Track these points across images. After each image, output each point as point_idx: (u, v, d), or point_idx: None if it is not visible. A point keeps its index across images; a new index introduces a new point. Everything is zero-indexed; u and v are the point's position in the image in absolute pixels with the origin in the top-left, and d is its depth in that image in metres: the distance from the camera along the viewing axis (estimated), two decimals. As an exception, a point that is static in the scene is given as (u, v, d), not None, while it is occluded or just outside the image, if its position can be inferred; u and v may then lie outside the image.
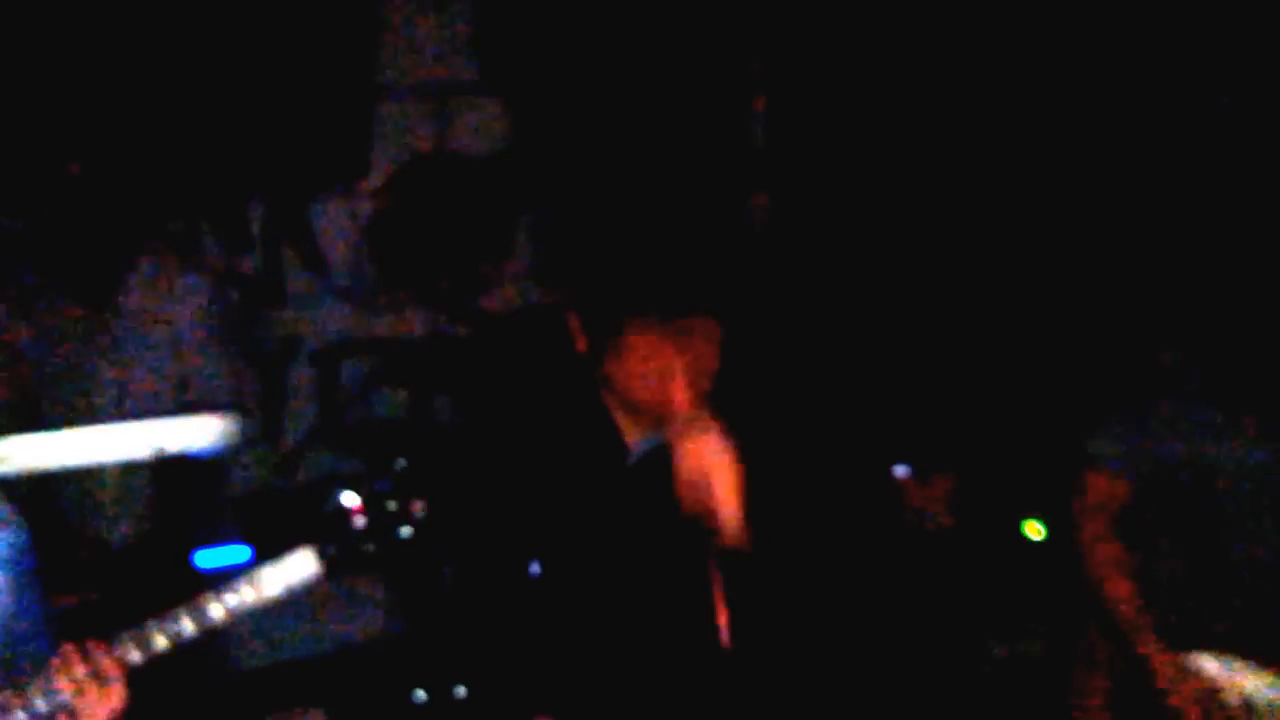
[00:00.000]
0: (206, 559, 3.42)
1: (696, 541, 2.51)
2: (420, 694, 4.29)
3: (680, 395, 2.47)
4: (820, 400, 2.65)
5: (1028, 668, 4.03)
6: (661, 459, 2.51)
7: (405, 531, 2.21)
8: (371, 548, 2.20)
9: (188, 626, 2.20)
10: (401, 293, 4.86)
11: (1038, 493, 4.20)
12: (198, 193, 4.61)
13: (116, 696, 2.17)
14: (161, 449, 3.31)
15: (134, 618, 2.26)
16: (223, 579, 2.22)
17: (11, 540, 2.33)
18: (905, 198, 4.89)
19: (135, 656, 2.19)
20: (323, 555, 2.20)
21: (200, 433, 3.42)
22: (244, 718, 4.43)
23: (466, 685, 3.85)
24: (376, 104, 4.80)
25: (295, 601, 4.73)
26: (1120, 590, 3.08)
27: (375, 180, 4.83)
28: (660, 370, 2.48)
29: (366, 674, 4.64)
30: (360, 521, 2.20)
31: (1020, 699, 3.99)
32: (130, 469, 3.47)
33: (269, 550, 3.15)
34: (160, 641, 2.19)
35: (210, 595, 2.21)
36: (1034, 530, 4.13)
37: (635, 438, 2.59)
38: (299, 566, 2.20)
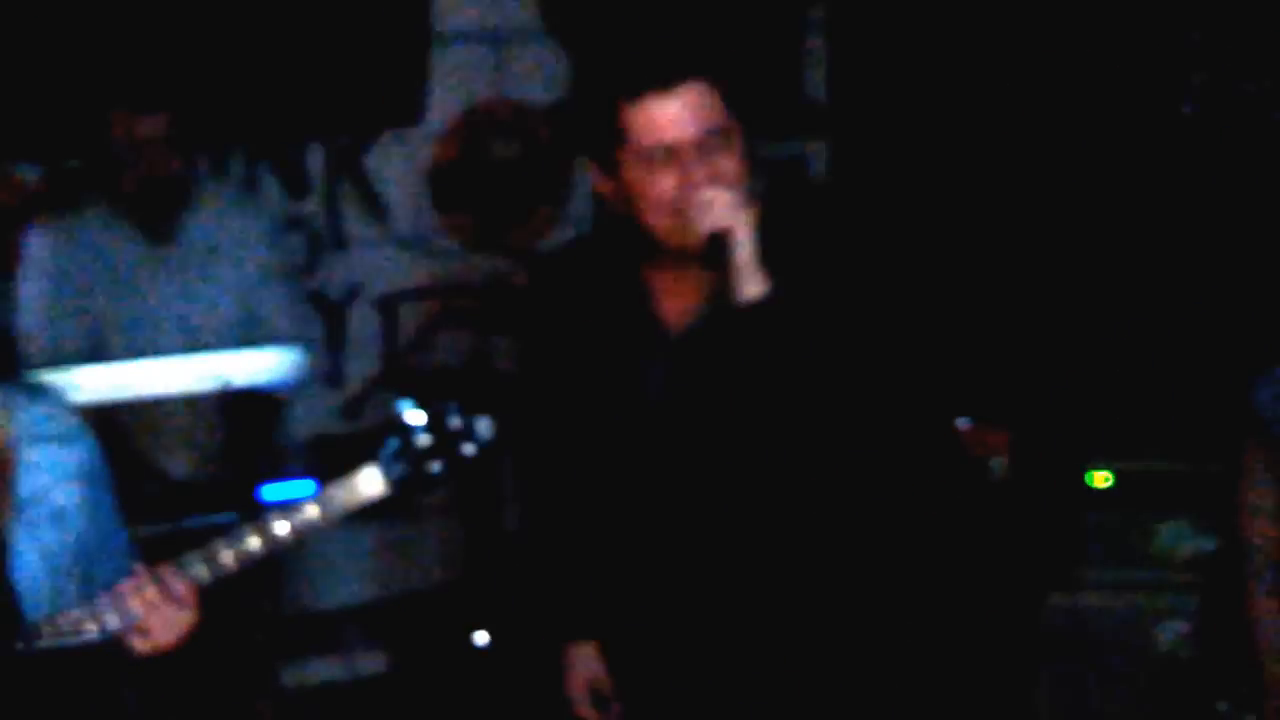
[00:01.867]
0: (273, 493, 3.42)
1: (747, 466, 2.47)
2: (482, 636, 4.30)
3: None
4: (881, 353, 2.57)
5: (1088, 620, 3.98)
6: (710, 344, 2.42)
7: (469, 449, 2.16)
8: (437, 466, 2.17)
9: (255, 545, 2.18)
10: (461, 238, 4.85)
11: (1103, 441, 4.15)
12: (257, 135, 4.60)
13: (188, 616, 2.18)
14: (227, 382, 3.30)
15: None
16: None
17: (82, 456, 2.33)
18: (968, 143, 4.83)
19: (204, 576, 2.18)
20: (388, 474, 2.16)
21: (265, 367, 3.41)
22: (306, 659, 4.46)
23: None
24: (435, 48, 4.78)
25: (357, 543, 4.79)
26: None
27: (434, 125, 4.81)
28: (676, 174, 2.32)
29: (429, 617, 4.65)
30: (424, 440, 2.15)
31: (1080, 652, 3.95)
32: (195, 402, 3.47)
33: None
34: (229, 560, 2.18)
35: (277, 514, 2.18)
36: (1100, 480, 4.07)
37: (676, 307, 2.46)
38: (365, 485, 2.16)
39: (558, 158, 4.92)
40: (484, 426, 2.16)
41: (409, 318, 4.83)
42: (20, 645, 2.01)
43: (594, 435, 2.56)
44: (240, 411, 3.45)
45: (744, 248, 2.31)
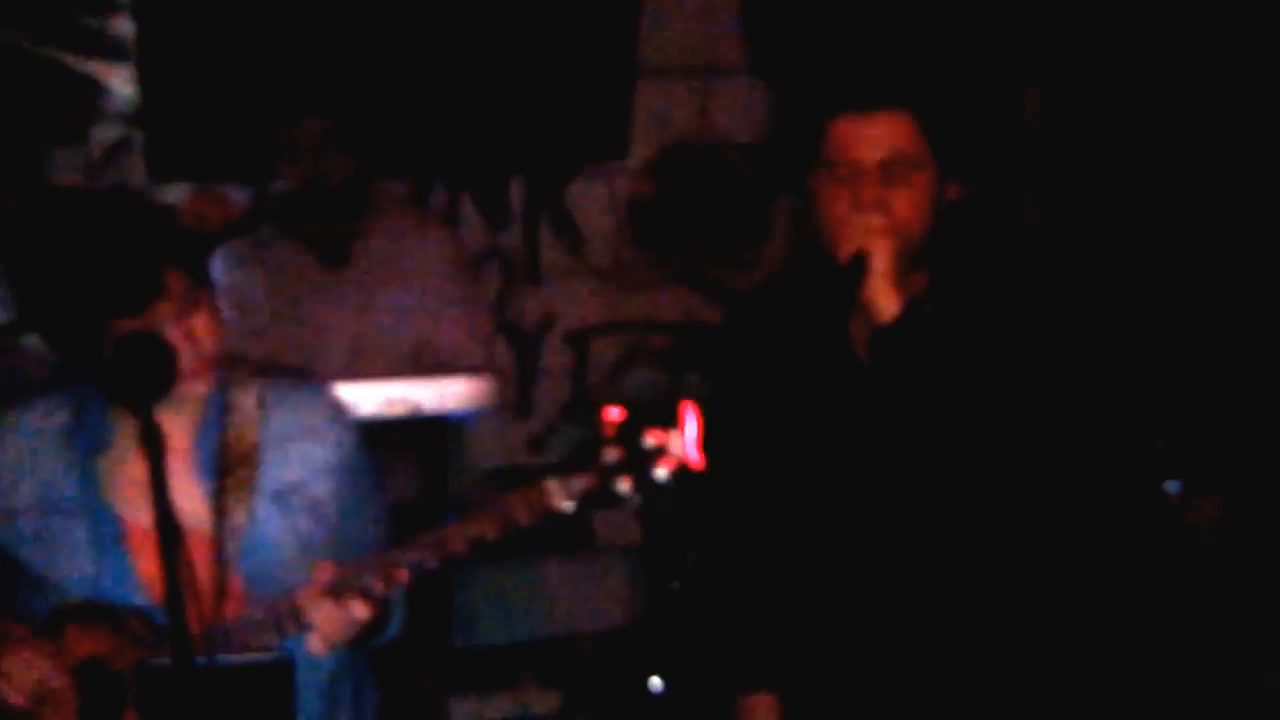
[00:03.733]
0: (457, 522, 3.40)
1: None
2: (657, 683, 4.23)
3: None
4: (1090, 413, 2.49)
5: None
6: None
7: (662, 473, 2.05)
8: (624, 486, 2.07)
9: (429, 557, 2.16)
10: (657, 274, 4.81)
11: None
12: (461, 166, 4.63)
13: (360, 619, 2.20)
14: (417, 408, 3.29)
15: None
16: (464, 509, 2.17)
17: (341, 452, 2.41)
18: (1181, 197, 4.65)
19: (379, 587, 2.18)
20: (570, 487, 2.08)
21: (454, 394, 3.39)
22: (478, 695, 4.44)
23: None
24: (639, 83, 4.75)
25: (536, 579, 4.75)
26: None
27: (635, 160, 4.78)
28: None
29: (605, 658, 4.60)
30: (613, 456, 2.06)
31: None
32: (385, 427, 3.46)
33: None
34: (401, 571, 2.18)
35: (452, 525, 2.16)
36: (1322, 552, 3.86)
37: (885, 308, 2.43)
38: (544, 497, 2.09)
39: (758, 195, 4.86)
40: (677, 445, 2.05)
41: (600, 352, 4.80)
42: (201, 659, 2.02)
43: (784, 469, 2.52)
44: (428, 438, 3.43)
45: (876, 272, 2.36)
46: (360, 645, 2.32)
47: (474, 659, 4.49)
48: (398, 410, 3.28)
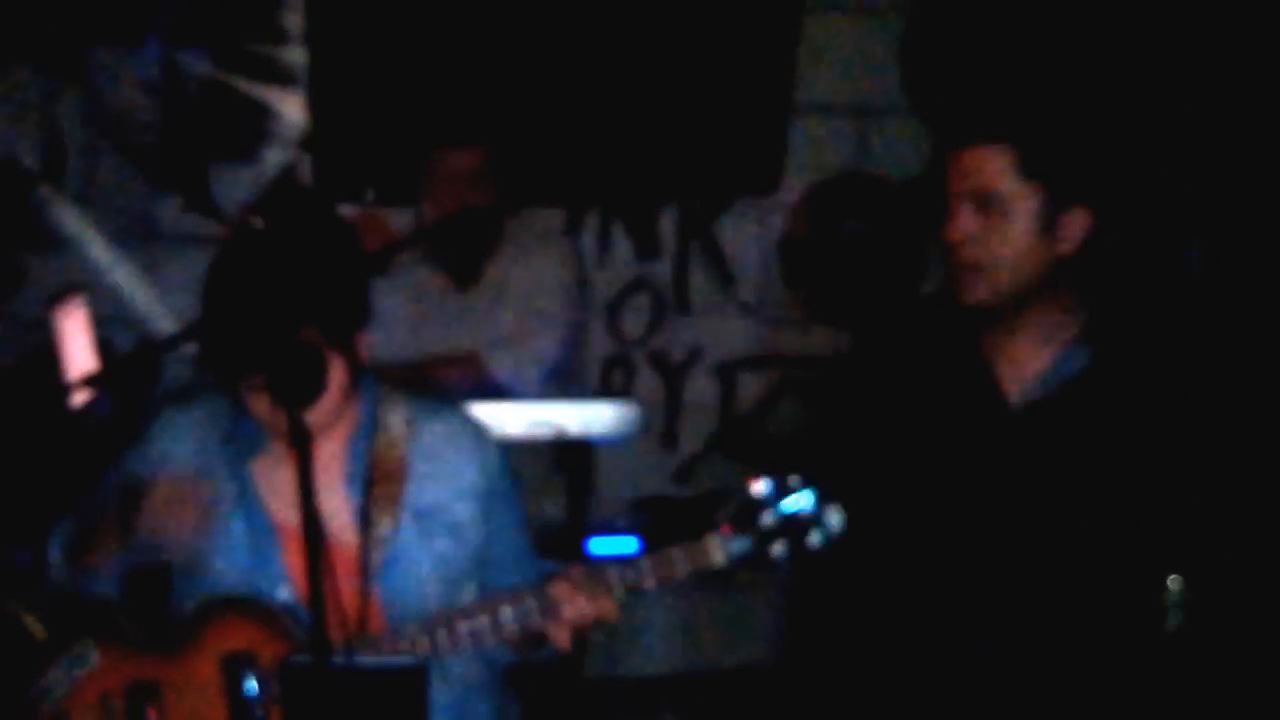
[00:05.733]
0: (600, 546, 3.41)
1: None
2: (794, 723, 4.18)
3: None
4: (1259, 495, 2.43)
5: None
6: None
7: (816, 539, 2.13)
8: (780, 550, 2.13)
9: (585, 601, 2.24)
10: (807, 310, 4.79)
11: None
12: (615, 194, 4.66)
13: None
14: (562, 431, 3.30)
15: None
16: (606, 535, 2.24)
17: (482, 473, 2.43)
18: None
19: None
20: (728, 546, 2.16)
21: (598, 419, 3.39)
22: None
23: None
24: (795, 119, 4.74)
25: (678, 612, 4.72)
26: None
27: (789, 196, 4.77)
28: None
29: (744, 696, 4.56)
30: (770, 520, 2.13)
31: None
32: (530, 448, 3.48)
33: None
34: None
35: (613, 570, 2.20)
36: None
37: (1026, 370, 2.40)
38: (703, 553, 2.16)
39: (912, 234, 4.81)
40: (835, 518, 2.13)
41: (747, 386, 4.79)
42: (337, 659, 2.05)
43: (912, 507, 2.48)
44: (572, 461, 3.45)
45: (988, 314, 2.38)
46: (520, 654, 2.39)
47: (612, 690, 4.48)
48: (543, 433, 3.30)
